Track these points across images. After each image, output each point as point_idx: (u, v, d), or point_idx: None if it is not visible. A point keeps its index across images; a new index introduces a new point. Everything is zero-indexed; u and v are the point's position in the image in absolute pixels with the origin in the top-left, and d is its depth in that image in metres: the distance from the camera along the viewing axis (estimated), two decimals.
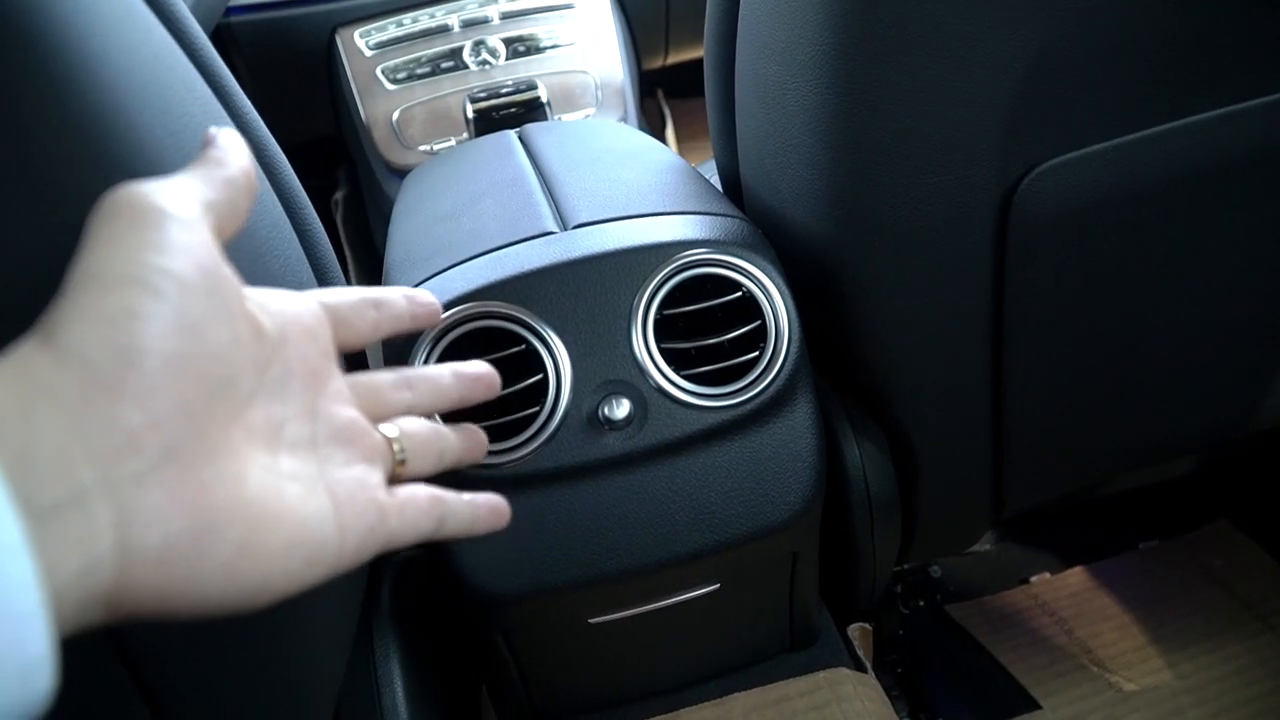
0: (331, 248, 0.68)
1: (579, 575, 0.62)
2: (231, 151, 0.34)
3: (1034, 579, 1.14)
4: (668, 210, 0.66)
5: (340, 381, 0.36)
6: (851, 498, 0.74)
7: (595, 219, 0.66)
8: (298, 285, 0.57)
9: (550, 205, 0.70)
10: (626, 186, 0.71)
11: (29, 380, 0.26)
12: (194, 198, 0.30)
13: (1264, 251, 0.71)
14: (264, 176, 0.57)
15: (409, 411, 0.39)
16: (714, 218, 0.66)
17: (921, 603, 1.09)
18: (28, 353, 0.27)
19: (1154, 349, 0.75)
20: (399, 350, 0.60)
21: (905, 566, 1.11)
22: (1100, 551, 1.16)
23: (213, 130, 0.35)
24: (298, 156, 0.78)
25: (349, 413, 0.36)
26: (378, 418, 0.38)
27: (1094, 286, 0.69)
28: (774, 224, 0.72)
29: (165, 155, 0.43)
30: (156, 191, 0.29)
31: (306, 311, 0.35)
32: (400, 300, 0.39)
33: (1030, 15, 0.56)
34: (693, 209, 0.67)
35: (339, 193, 1.68)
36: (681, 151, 1.83)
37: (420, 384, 0.39)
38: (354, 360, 0.68)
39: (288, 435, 0.33)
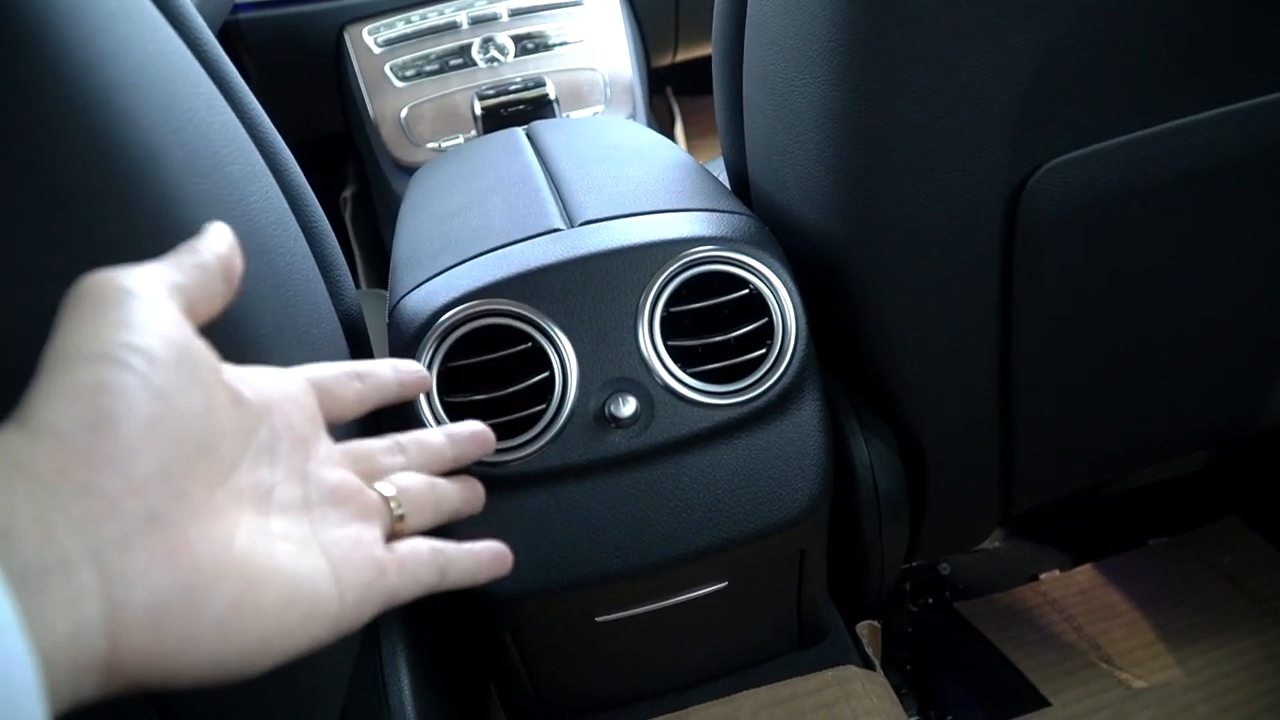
0: (338, 244, 0.68)
1: (586, 574, 0.62)
2: (209, 239, 0.35)
3: (1043, 576, 1.13)
4: (674, 207, 0.66)
5: (330, 447, 0.37)
6: (859, 495, 0.74)
7: (602, 216, 0.66)
8: (303, 284, 0.57)
9: (557, 202, 0.70)
10: (633, 183, 0.71)
11: (5, 459, 0.26)
12: (161, 280, 0.31)
13: (1270, 247, 0.71)
14: (269, 173, 0.57)
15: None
16: (721, 215, 0.66)
17: (930, 600, 1.08)
18: (3, 435, 0.27)
19: (1162, 345, 0.74)
20: (406, 345, 0.60)
21: (914, 564, 1.10)
22: (1109, 548, 1.15)
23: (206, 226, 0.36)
24: (305, 153, 0.79)
25: (341, 474, 0.36)
26: (372, 478, 0.38)
27: (1102, 283, 0.69)
28: (782, 221, 0.72)
29: (168, 151, 0.43)
30: (124, 275, 0.30)
31: (290, 383, 0.36)
32: (386, 371, 0.40)
33: (1037, 11, 0.56)
34: (700, 206, 0.67)
35: (347, 190, 1.68)
36: (690, 148, 1.83)
37: (412, 448, 0.40)
38: (359, 355, 0.68)
39: (278, 498, 0.33)
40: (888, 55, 0.57)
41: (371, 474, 0.38)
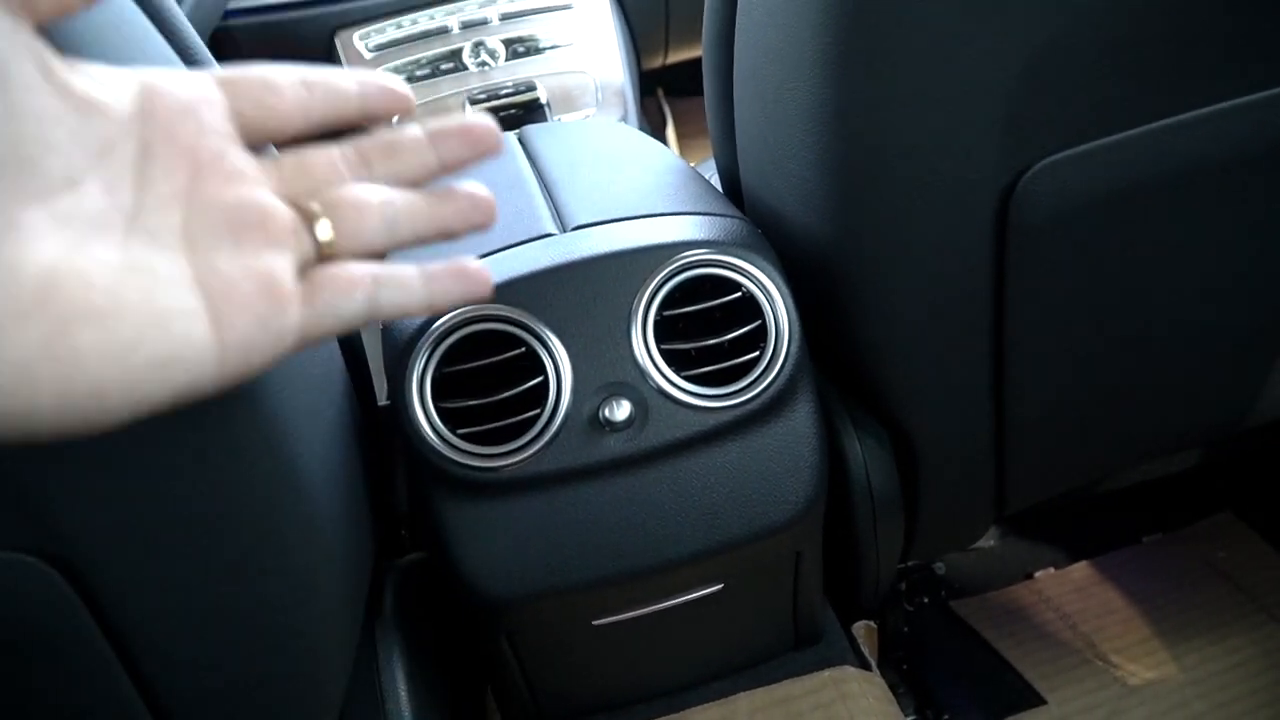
0: None
1: (582, 577, 0.62)
2: None
3: (1038, 574, 1.14)
4: (667, 211, 0.67)
5: (244, 162, 0.31)
6: (854, 496, 0.74)
7: (594, 220, 0.66)
8: None
9: (550, 207, 0.70)
10: (626, 188, 0.71)
11: None
12: None
13: (1262, 246, 0.71)
14: None
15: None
16: (713, 218, 0.66)
17: (926, 599, 1.09)
18: None
19: (1154, 343, 0.75)
20: (400, 351, 0.61)
21: (909, 564, 1.11)
22: (1104, 545, 1.16)
23: None
24: None
25: (247, 193, 0.30)
26: (311, 195, 0.32)
27: (1094, 283, 0.69)
28: (774, 224, 0.72)
29: None
30: None
31: (187, 88, 0.30)
32: (345, 81, 0.33)
33: (1024, 13, 0.56)
34: (692, 209, 0.67)
35: None
36: (682, 150, 1.83)
37: (375, 154, 0.33)
38: (353, 361, 0.68)
39: (144, 224, 0.28)
40: (875, 60, 0.57)
41: (310, 190, 0.32)
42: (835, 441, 0.73)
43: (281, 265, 0.30)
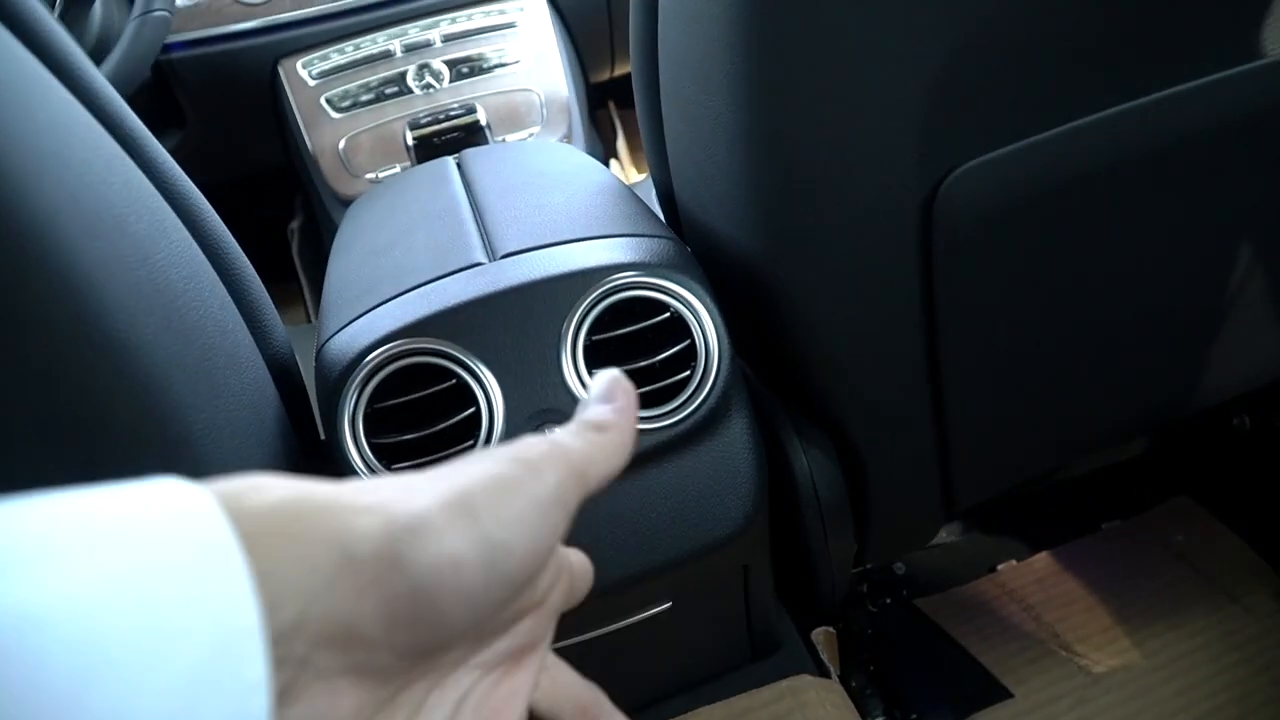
0: (263, 289, 0.68)
1: None
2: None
3: (1000, 566, 1.15)
4: (594, 234, 0.67)
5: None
6: (802, 505, 0.75)
7: (522, 247, 0.66)
8: (222, 333, 0.57)
9: (481, 235, 0.70)
10: (555, 212, 0.71)
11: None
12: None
13: (1184, 235, 0.72)
14: (181, 227, 0.57)
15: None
16: (640, 239, 0.66)
17: (889, 600, 1.09)
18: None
19: (1088, 337, 0.76)
20: (331, 388, 0.60)
21: (869, 566, 1.11)
22: (1064, 534, 1.17)
23: None
24: (252, 186, 0.78)
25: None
26: None
27: (1021, 281, 0.70)
28: (706, 239, 0.73)
29: (63, 215, 0.43)
30: None
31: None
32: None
33: (933, 21, 0.57)
34: (619, 231, 0.67)
35: (294, 222, 1.68)
36: (635, 161, 1.84)
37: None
38: (291, 397, 0.68)
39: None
40: (789, 75, 0.58)
41: None
42: (779, 452, 0.74)
43: None
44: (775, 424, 0.75)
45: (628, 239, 0.66)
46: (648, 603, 0.68)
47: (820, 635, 0.87)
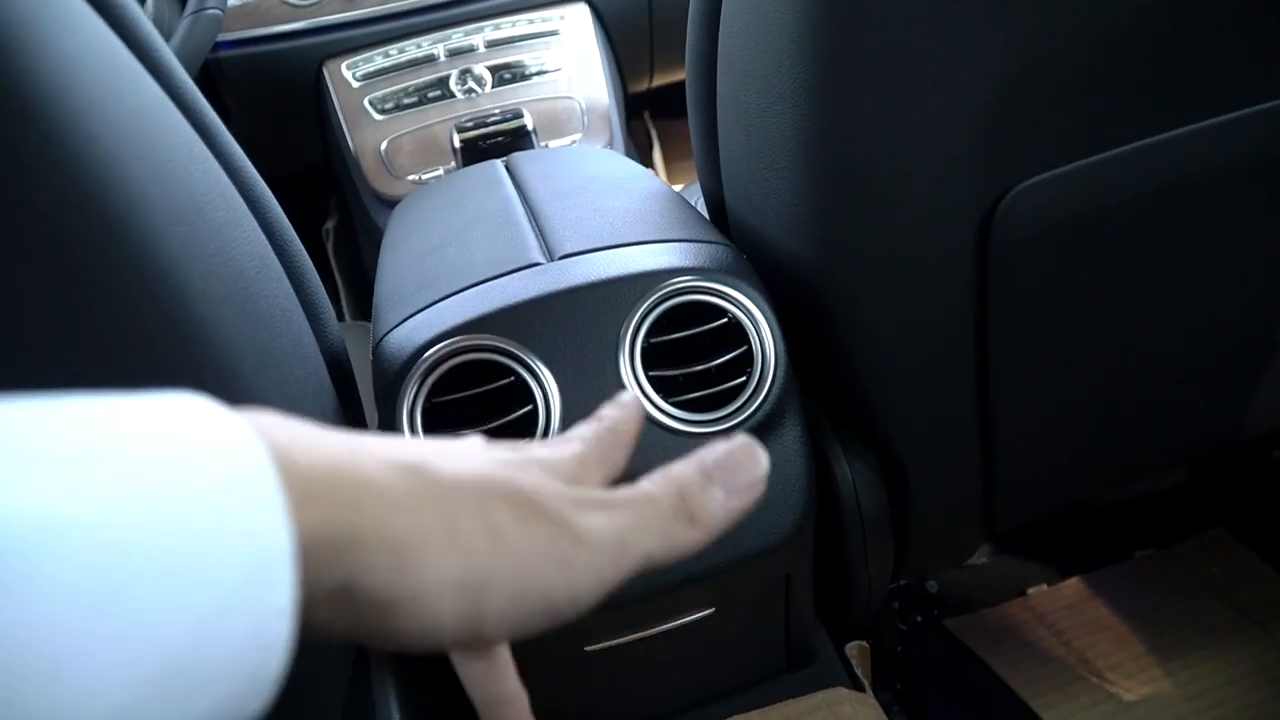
0: (320, 282, 0.69)
1: None
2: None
3: (1031, 590, 1.14)
4: (652, 239, 0.67)
5: None
6: (844, 517, 0.75)
7: (581, 249, 0.66)
8: (286, 323, 0.57)
9: (537, 236, 0.70)
10: (612, 215, 0.71)
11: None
12: None
13: (1240, 263, 0.72)
14: (251, 217, 0.58)
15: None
16: (698, 245, 0.67)
17: (919, 618, 1.09)
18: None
19: (1139, 361, 0.75)
20: (390, 382, 0.61)
21: (901, 582, 1.11)
22: (1096, 561, 1.16)
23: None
24: (288, 186, 0.79)
25: None
26: None
27: (1074, 303, 0.70)
28: (759, 248, 0.73)
29: (150, 201, 0.44)
30: None
31: None
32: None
33: (997, 41, 0.57)
34: (677, 236, 0.68)
35: (329, 222, 1.69)
36: (669, 172, 1.84)
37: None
38: (344, 391, 0.68)
39: None
40: (855, 89, 0.58)
41: None
42: (824, 464, 0.74)
43: None
44: (819, 434, 0.75)
45: (686, 244, 0.67)
46: (691, 607, 0.68)
47: (854, 649, 0.87)
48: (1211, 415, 0.83)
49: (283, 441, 0.24)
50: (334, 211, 1.69)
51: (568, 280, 0.62)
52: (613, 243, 0.67)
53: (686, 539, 0.31)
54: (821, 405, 0.78)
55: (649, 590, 0.63)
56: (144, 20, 0.52)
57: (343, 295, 1.59)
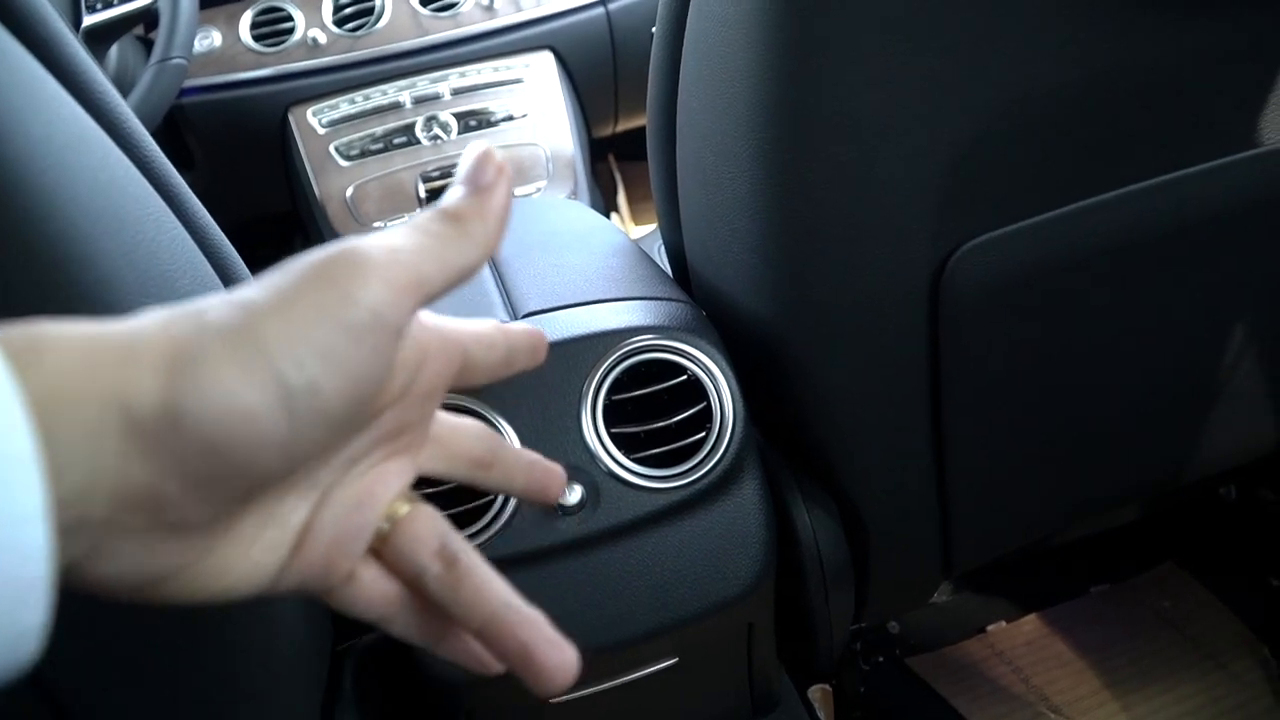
0: None
1: None
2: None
3: (990, 628, 1.16)
4: (614, 296, 0.69)
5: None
6: (805, 564, 0.76)
7: (544, 308, 0.68)
8: None
9: (501, 293, 0.72)
10: (574, 272, 0.73)
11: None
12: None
13: (1182, 316, 0.75)
14: (220, 284, 0.58)
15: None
16: (659, 303, 0.68)
17: (881, 658, 1.10)
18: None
19: (1090, 409, 0.78)
20: None
21: (863, 624, 1.13)
22: (1053, 597, 1.18)
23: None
24: (254, 227, 0.80)
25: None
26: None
27: (1024, 354, 0.72)
28: (719, 303, 0.75)
29: (120, 277, 0.45)
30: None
31: (440, 341, 0.33)
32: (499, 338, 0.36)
33: (951, 107, 0.59)
34: (638, 294, 0.69)
35: None
36: (633, 215, 1.87)
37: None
38: None
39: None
40: (811, 153, 0.60)
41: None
42: (785, 512, 0.75)
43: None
44: (780, 483, 0.76)
45: (646, 302, 0.68)
46: (655, 657, 0.69)
47: (817, 693, 0.88)
48: (1161, 457, 0.86)
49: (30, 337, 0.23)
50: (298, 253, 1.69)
51: None
52: (575, 301, 0.68)
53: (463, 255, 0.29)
54: (782, 453, 0.80)
55: (614, 642, 0.64)
56: (111, 91, 0.53)
57: None
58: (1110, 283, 0.71)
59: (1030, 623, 1.17)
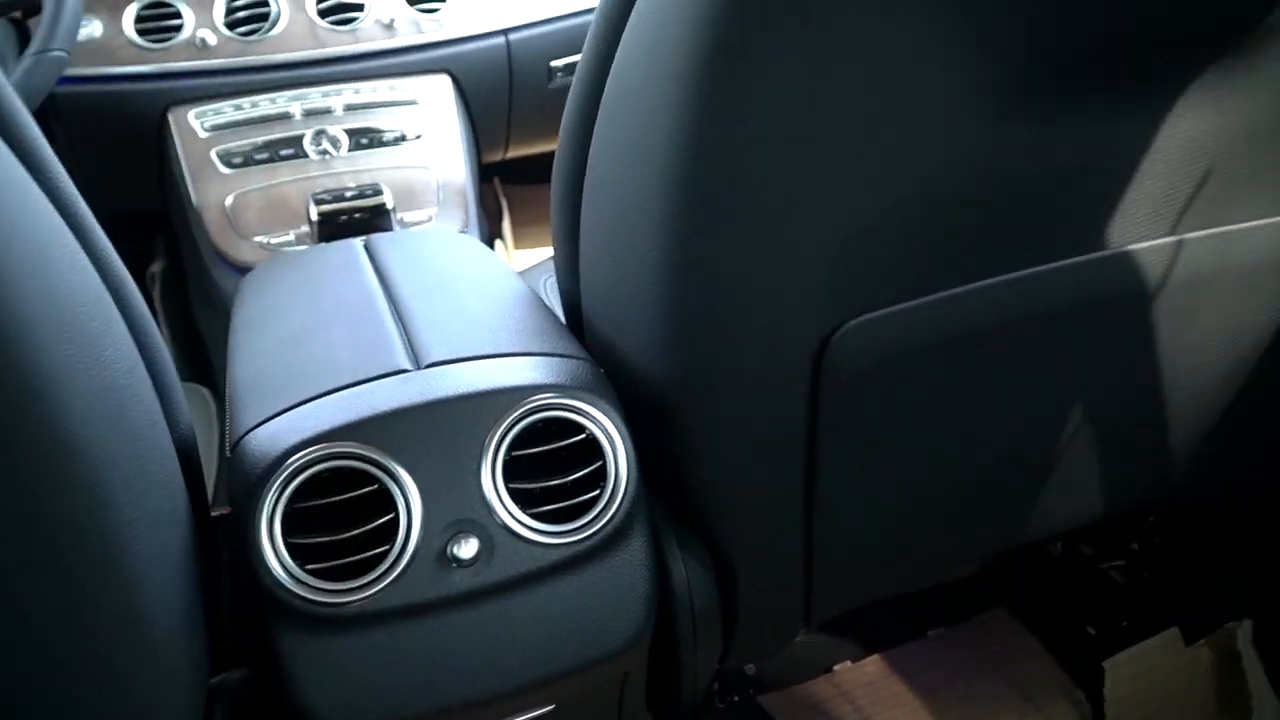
0: (176, 375, 0.68)
1: (421, 708, 0.64)
2: None
3: (837, 667, 1.23)
4: (518, 351, 0.71)
5: None
6: (677, 613, 0.79)
7: (448, 358, 0.69)
8: (152, 426, 0.57)
9: (402, 338, 0.73)
10: (477, 320, 0.75)
11: None
12: None
13: (1033, 394, 0.83)
14: (121, 320, 0.57)
15: None
16: (561, 360, 0.71)
17: (736, 697, 1.15)
18: None
19: (947, 477, 0.84)
20: (250, 487, 0.61)
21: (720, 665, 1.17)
22: (895, 639, 1.26)
23: None
24: (113, 223, 0.76)
25: None
26: None
27: (894, 426, 0.78)
28: (612, 355, 0.77)
29: (37, 318, 0.44)
30: None
31: None
32: None
33: (846, 200, 0.64)
34: (541, 349, 0.72)
35: (156, 265, 1.62)
36: (518, 237, 1.88)
37: None
38: (188, 466, 0.68)
39: None
40: (715, 231, 0.64)
41: None
42: (662, 563, 0.78)
43: None
44: (660, 534, 0.79)
45: (549, 359, 0.70)
46: (535, 705, 0.71)
47: None
48: (1008, 522, 0.94)
49: None
50: (161, 254, 1.63)
51: (435, 392, 0.65)
52: (479, 353, 0.70)
53: None
54: (662, 503, 0.84)
55: (496, 694, 0.66)
56: (30, 123, 0.52)
57: (169, 345, 1.53)
58: (973, 364, 0.78)
59: (873, 663, 1.24)
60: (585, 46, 0.75)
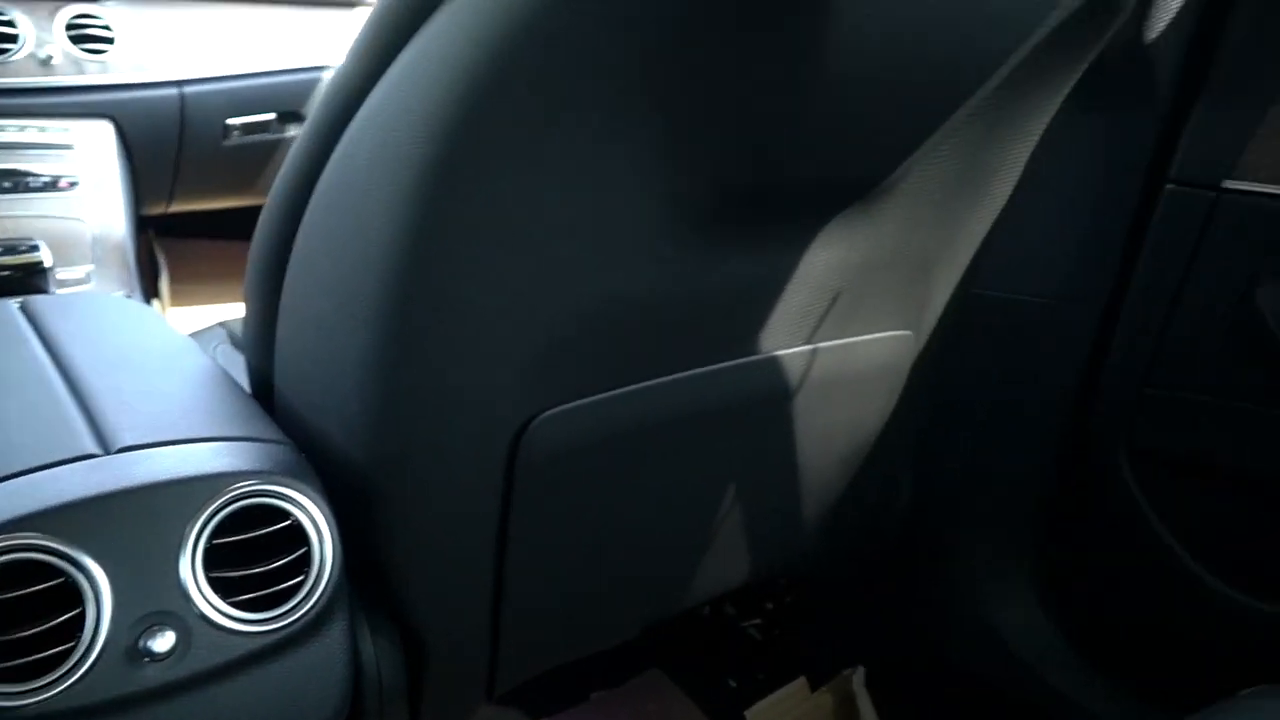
0: None
1: None
2: None
3: None
4: (216, 435, 0.70)
5: None
6: (365, 692, 0.80)
7: (141, 442, 0.66)
8: None
9: (85, 419, 0.69)
10: (170, 402, 0.72)
11: None
12: None
13: (698, 478, 0.94)
14: None
15: None
16: (262, 445, 0.70)
17: None
18: None
19: (628, 556, 0.93)
20: None
21: None
22: (564, 702, 1.33)
23: None
24: None
25: None
26: None
27: (579, 508, 0.85)
28: (310, 435, 0.78)
29: None
30: None
31: None
32: None
33: (548, 303, 0.71)
34: (240, 434, 0.71)
35: None
36: (175, 295, 1.77)
37: None
38: None
39: None
40: (422, 325, 0.68)
41: None
42: (353, 643, 0.79)
43: None
44: (352, 615, 0.80)
45: (250, 444, 0.70)
46: None
47: None
48: (674, 591, 1.04)
49: None
50: None
51: (130, 479, 0.62)
52: (175, 437, 0.68)
53: None
54: (353, 582, 0.84)
55: None
56: None
57: None
58: (651, 452, 0.87)
59: None
60: (311, 120, 0.75)
